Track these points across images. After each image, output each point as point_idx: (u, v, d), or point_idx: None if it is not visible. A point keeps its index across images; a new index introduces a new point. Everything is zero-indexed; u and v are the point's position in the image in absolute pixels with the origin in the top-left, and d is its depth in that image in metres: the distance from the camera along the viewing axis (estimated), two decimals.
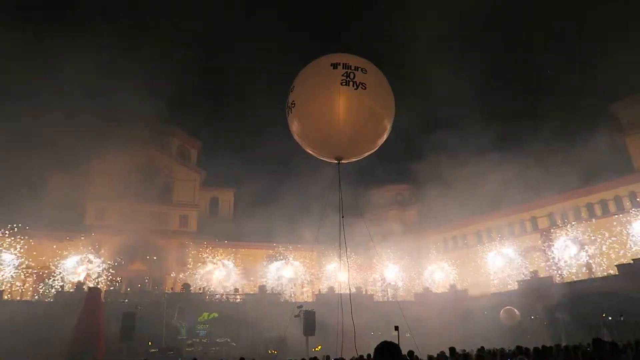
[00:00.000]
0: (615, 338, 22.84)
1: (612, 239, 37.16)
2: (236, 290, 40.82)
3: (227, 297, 39.10)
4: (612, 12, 62.06)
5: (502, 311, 33.09)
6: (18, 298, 35.77)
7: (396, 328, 11.53)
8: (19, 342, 25.11)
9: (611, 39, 64.84)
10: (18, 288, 37.01)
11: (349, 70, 8.30)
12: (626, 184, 39.74)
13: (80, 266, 37.42)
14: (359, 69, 8.40)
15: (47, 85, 41.17)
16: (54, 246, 37.76)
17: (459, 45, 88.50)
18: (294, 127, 8.94)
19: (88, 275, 37.40)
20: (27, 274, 37.21)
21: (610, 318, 30.05)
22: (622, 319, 28.89)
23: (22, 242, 36.62)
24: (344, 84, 8.20)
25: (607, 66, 44.55)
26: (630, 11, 58.95)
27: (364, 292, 41.78)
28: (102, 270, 38.34)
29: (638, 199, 37.53)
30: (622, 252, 35.78)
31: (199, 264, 42.87)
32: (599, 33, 66.34)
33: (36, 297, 36.60)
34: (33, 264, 37.35)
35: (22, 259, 36.37)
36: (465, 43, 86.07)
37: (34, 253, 37.42)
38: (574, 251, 38.15)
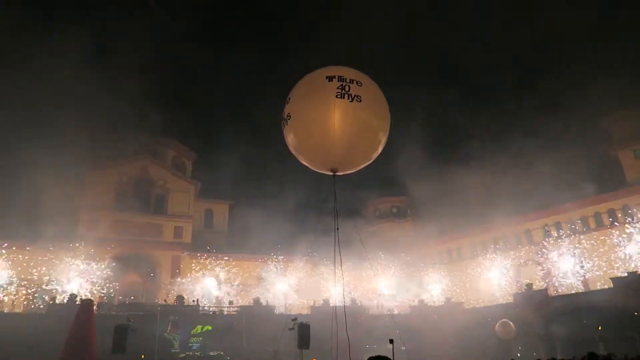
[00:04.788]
0: (612, 352, 22.78)
1: (607, 251, 37.26)
2: (230, 302, 40.49)
3: (221, 310, 38.75)
4: (604, 22, 63.13)
5: (497, 324, 32.96)
6: (6, 310, 35.33)
7: (391, 341, 11.47)
8: (8, 355, 24.74)
9: (606, 53, 65.80)
10: (9, 300, 36.55)
11: (344, 83, 8.36)
12: (619, 197, 40.02)
13: (72, 278, 37.01)
14: (355, 82, 8.46)
15: (39, 93, 41.20)
16: (46, 257, 37.31)
17: (452, 58, 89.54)
18: (289, 139, 8.98)
19: (80, 287, 36.98)
20: (19, 286, 36.72)
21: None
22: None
23: (13, 253, 36.34)
24: (339, 96, 8.25)
25: (600, 80, 45.12)
26: (622, 22, 60.05)
27: (359, 305, 41.53)
28: (95, 282, 37.96)
29: (635, 213, 37.33)
30: (617, 265, 35.86)
31: (193, 276, 42.55)
32: (593, 46, 67.49)
33: (28, 308, 36.14)
34: (24, 276, 36.90)
35: (13, 271, 36.06)
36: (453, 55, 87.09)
37: (25, 265, 37.03)
38: (568, 264, 38.17)
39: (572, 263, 37.96)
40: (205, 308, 38.75)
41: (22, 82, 40.41)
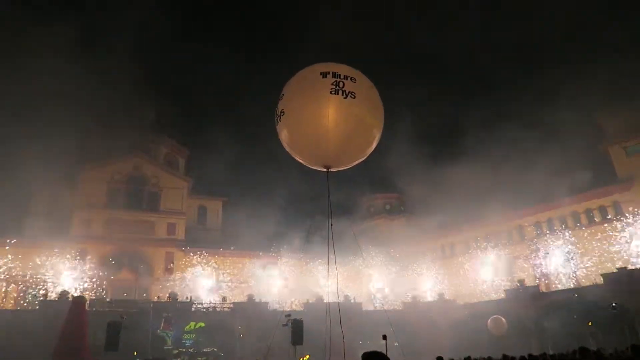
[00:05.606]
0: (602, 346, 23.05)
1: (598, 247, 37.58)
2: (224, 299, 40.45)
3: (215, 307, 38.70)
4: (594, 16, 63.38)
5: (489, 320, 33.19)
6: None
7: (384, 337, 11.48)
8: None
9: (596, 48, 66.19)
10: (0, 296, 36.31)
11: (339, 79, 8.32)
12: (610, 193, 40.32)
13: (64, 274, 36.77)
14: (349, 78, 8.43)
15: (31, 91, 40.75)
16: (40, 255, 37.02)
17: (448, 56, 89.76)
18: (283, 135, 8.93)
19: (72, 283, 36.76)
20: (11, 283, 36.44)
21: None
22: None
23: (4, 250, 36.04)
24: (333, 92, 8.21)
25: (592, 75, 45.32)
26: (612, 13, 60.45)
27: (352, 301, 41.64)
28: (88, 279, 37.75)
29: (630, 210, 37.43)
30: (607, 261, 36.17)
31: (186, 272, 42.42)
32: (583, 39, 67.89)
33: (19, 304, 35.91)
34: (15, 272, 36.63)
35: (4, 268, 35.80)
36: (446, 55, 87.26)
37: (16, 261, 36.74)
38: (560, 260, 38.50)
39: (564, 259, 38.31)
40: (199, 305, 38.67)
41: (14, 79, 39.94)
